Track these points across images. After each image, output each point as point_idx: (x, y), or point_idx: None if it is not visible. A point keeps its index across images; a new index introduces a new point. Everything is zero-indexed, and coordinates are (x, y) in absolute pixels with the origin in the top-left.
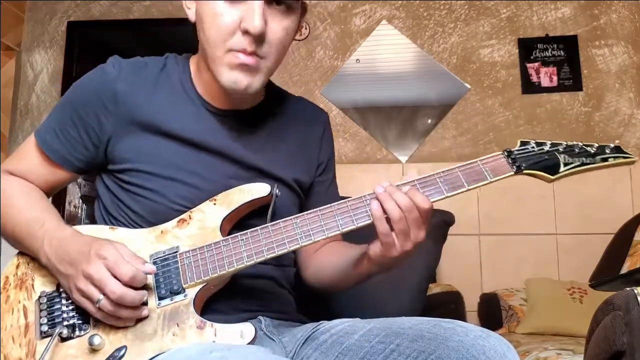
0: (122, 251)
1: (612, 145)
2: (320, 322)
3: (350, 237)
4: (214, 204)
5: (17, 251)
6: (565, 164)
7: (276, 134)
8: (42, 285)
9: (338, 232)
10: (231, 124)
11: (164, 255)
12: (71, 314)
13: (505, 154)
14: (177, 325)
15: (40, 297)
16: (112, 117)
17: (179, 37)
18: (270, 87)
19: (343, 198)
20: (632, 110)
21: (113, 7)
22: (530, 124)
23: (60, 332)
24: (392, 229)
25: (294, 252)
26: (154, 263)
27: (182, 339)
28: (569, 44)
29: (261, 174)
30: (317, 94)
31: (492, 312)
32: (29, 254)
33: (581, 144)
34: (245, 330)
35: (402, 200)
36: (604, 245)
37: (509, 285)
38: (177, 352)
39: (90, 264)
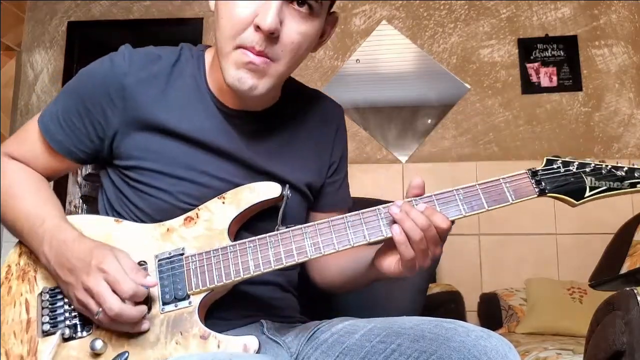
0: (124, 264)
1: None
2: (322, 321)
3: None
4: (223, 202)
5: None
6: (591, 188)
7: (289, 138)
8: (44, 279)
9: (349, 247)
10: (242, 126)
11: (170, 258)
12: (73, 314)
13: (530, 173)
14: (181, 334)
15: (42, 292)
16: (118, 112)
17: (179, 37)
18: (287, 87)
19: None
20: (631, 110)
21: (113, 7)
22: (530, 124)
23: (62, 333)
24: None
25: None
26: (159, 264)
27: (185, 348)
28: (569, 44)
29: (272, 179)
30: None
31: (492, 312)
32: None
33: (610, 166)
34: (248, 343)
35: (420, 220)
36: (603, 245)
37: (509, 285)
38: None
39: (90, 276)
